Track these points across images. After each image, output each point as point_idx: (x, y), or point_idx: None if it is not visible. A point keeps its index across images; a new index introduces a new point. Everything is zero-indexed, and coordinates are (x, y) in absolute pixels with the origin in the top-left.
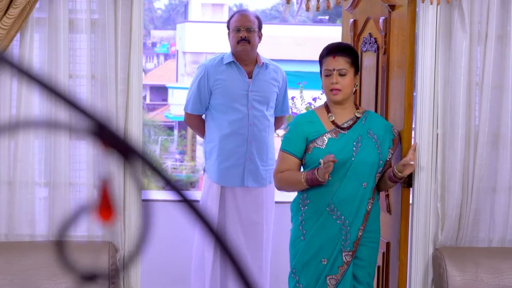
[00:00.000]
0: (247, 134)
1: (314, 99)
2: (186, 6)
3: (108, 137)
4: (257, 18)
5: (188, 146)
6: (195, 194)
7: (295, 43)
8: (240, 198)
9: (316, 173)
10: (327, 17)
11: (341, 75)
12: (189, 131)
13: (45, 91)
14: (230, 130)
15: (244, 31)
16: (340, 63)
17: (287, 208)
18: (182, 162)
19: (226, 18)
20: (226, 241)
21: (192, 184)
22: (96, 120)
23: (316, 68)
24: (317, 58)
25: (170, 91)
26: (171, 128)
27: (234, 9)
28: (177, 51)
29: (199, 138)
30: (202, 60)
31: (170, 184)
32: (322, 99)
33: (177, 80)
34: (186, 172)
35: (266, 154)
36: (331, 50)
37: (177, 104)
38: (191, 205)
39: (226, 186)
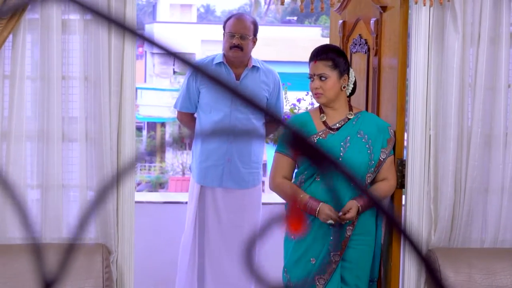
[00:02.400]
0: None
1: (299, 100)
2: (154, 6)
3: (302, 144)
4: (254, 23)
5: (157, 146)
6: (167, 195)
7: (264, 43)
8: (219, 199)
9: (316, 213)
10: (295, 18)
11: (322, 79)
12: (158, 131)
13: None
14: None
15: (238, 38)
16: (320, 68)
17: (272, 209)
18: (151, 163)
19: (194, 19)
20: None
21: (162, 185)
22: (290, 128)
23: (288, 69)
24: (287, 59)
25: (139, 91)
26: (140, 128)
27: (202, 10)
28: (145, 52)
29: (167, 139)
30: (170, 61)
31: (364, 191)
32: (307, 100)
33: (145, 81)
34: (156, 173)
35: (249, 157)
36: (313, 55)
37: (146, 105)
38: (388, 214)
39: (206, 186)
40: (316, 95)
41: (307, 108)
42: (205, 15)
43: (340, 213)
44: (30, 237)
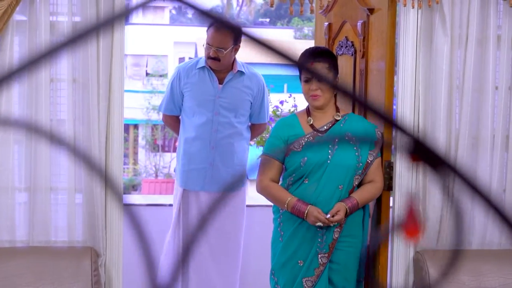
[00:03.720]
0: (210, 139)
1: (281, 102)
2: None
3: (421, 150)
4: (234, 32)
5: (130, 149)
6: (136, 198)
7: None
8: (203, 202)
9: (305, 216)
10: (267, 20)
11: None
12: (131, 133)
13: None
14: (195, 134)
15: (214, 51)
16: (318, 69)
17: (256, 211)
18: (124, 164)
19: (167, 21)
20: None
21: (134, 187)
22: (409, 134)
23: (263, 71)
24: (260, 60)
25: None
26: None
27: (174, 12)
28: None
29: (140, 141)
30: (143, 63)
31: (483, 196)
32: (289, 102)
33: None
34: (129, 175)
35: (232, 161)
36: (309, 57)
37: None
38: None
39: (189, 190)
40: (314, 98)
41: (289, 110)
42: (177, 17)
43: (328, 216)
44: (143, 247)
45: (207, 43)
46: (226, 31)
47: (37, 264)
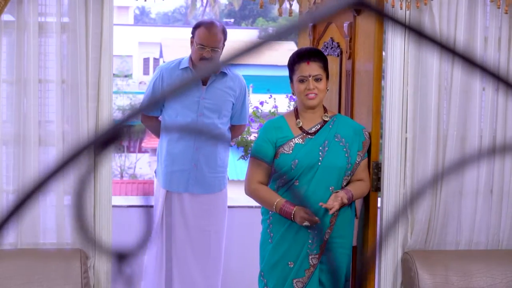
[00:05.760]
0: (194, 140)
1: (262, 103)
2: None
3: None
4: (224, 31)
5: None
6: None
7: None
8: (186, 204)
9: (292, 216)
10: (232, 20)
11: (316, 80)
12: None
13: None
14: (178, 135)
15: (209, 51)
16: (315, 68)
17: (237, 212)
18: None
19: (131, 21)
20: None
21: None
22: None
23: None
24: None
25: None
26: None
27: (137, 12)
28: None
29: None
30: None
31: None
32: (270, 103)
33: None
34: None
35: (215, 162)
36: (304, 56)
37: None
38: None
39: (172, 191)
40: (311, 97)
41: (270, 111)
42: (141, 17)
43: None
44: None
45: (200, 44)
46: (219, 30)
47: (26, 267)
